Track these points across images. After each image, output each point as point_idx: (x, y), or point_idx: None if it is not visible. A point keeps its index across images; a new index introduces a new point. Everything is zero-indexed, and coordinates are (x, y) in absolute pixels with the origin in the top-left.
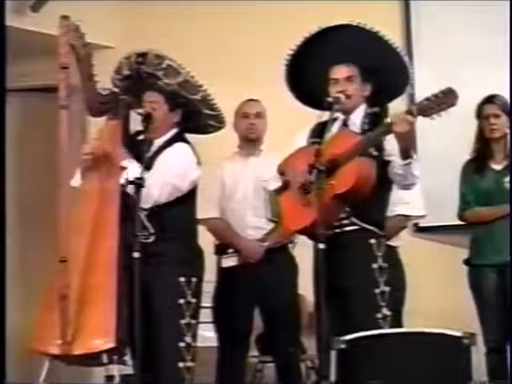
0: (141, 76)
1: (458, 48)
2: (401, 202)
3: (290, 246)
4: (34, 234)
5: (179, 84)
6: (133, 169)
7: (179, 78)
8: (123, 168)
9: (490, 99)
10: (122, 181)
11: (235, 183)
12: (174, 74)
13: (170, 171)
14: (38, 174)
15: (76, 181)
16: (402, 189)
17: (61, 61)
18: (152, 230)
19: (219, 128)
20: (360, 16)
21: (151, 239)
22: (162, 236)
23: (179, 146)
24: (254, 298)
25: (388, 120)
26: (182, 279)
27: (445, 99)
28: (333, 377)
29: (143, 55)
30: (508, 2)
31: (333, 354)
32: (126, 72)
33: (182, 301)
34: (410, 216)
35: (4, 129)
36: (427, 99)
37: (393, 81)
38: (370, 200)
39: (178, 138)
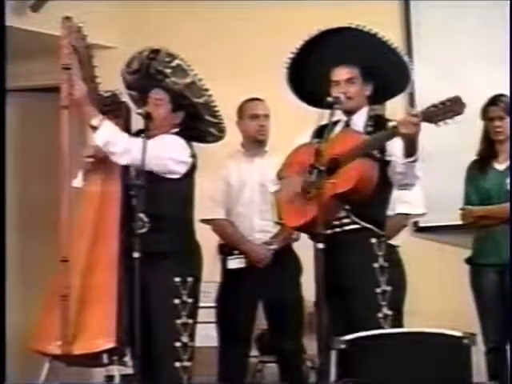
0: (149, 72)
1: (458, 48)
2: (400, 201)
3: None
4: (34, 233)
5: (186, 85)
6: (104, 130)
7: (187, 78)
8: (94, 127)
9: (495, 101)
10: (96, 141)
11: (241, 185)
12: (182, 75)
13: (153, 144)
14: (38, 174)
15: (78, 182)
16: (400, 189)
17: (63, 61)
18: (146, 220)
19: (219, 138)
20: (360, 16)
21: (145, 229)
22: (156, 226)
23: (169, 135)
24: (259, 298)
25: (393, 123)
26: (177, 279)
27: (452, 107)
28: (333, 377)
29: (156, 51)
30: (508, 2)
31: (333, 354)
32: (135, 66)
33: (177, 301)
34: (410, 214)
35: (4, 129)
36: (434, 106)
37: (393, 80)
38: (371, 199)
39: (177, 135)
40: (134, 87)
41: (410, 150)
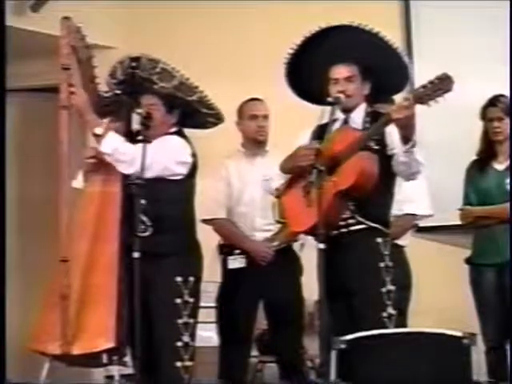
0: (136, 80)
1: (458, 47)
2: (406, 201)
3: (297, 246)
4: (34, 233)
5: (175, 87)
6: (111, 138)
7: (174, 81)
8: (97, 136)
9: (493, 102)
10: (103, 150)
11: (242, 185)
12: (169, 78)
13: (153, 149)
14: (38, 174)
15: (78, 182)
16: (407, 180)
17: (62, 62)
18: (149, 223)
19: (217, 123)
20: (360, 16)
21: (148, 232)
22: (159, 229)
23: (168, 136)
24: (259, 298)
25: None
26: (179, 279)
27: (440, 85)
28: (333, 376)
29: (136, 59)
30: (508, 2)
31: (333, 354)
32: (120, 76)
33: (179, 300)
34: (418, 215)
35: (4, 129)
36: (423, 86)
37: (392, 80)
38: (374, 197)
39: (175, 134)
40: (123, 95)
41: (407, 136)
